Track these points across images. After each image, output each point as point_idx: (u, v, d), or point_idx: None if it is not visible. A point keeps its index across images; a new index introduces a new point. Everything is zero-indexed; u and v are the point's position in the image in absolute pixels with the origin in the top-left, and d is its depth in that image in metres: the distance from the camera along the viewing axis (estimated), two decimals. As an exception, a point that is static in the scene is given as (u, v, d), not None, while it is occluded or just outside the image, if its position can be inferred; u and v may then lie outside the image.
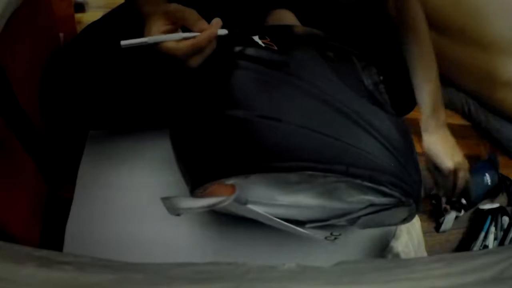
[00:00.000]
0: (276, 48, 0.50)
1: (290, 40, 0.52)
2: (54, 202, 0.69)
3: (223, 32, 0.48)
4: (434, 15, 0.70)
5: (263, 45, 0.50)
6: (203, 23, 0.47)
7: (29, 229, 0.61)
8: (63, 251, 0.58)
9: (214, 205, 0.45)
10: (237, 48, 0.50)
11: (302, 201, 0.50)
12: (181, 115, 0.52)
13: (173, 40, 0.46)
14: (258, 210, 0.49)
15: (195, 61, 0.48)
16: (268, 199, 0.49)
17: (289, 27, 0.58)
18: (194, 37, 0.46)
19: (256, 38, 0.50)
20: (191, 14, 0.47)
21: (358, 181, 0.44)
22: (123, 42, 0.46)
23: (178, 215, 0.46)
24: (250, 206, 0.49)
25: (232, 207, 0.49)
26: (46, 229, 0.65)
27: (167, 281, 0.27)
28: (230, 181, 0.45)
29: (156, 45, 0.46)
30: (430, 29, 0.62)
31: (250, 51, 0.49)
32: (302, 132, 0.44)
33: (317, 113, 0.46)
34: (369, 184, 0.44)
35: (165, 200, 0.44)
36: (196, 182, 0.47)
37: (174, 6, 0.48)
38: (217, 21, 0.47)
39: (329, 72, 0.49)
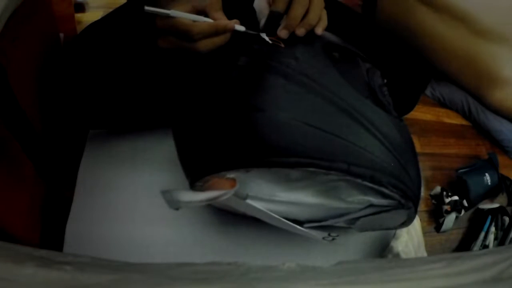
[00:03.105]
0: (283, 45, 0.50)
1: (296, 39, 0.52)
2: (54, 202, 0.69)
3: (241, 28, 0.49)
4: (442, 3, 0.70)
5: (270, 42, 0.50)
6: (222, 14, 0.48)
7: (29, 229, 0.61)
8: (63, 251, 0.58)
9: (214, 198, 0.44)
10: (244, 44, 0.50)
11: (302, 199, 0.50)
12: (183, 106, 0.53)
13: (191, 19, 0.47)
14: (257, 206, 0.49)
15: (205, 45, 0.48)
16: (268, 195, 0.49)
17: None
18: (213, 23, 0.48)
19: (263, 35, 0.51)
20: (215, 1, 0.48)
21: (359, 180, 0.44)
22: (147, 8, 0.46)
23: (177, 209, 0.46)
24: (249, 201, 0.49)
25: (232, 202, 0.48)
26: (46, 229, 0.65)
27: (167, 281, 0.27)
28: (231, 175, 0.45)
29: (171, 20, 0.47)
30: (435, 14, 0.62)
31: (257, 47, 0.50)
32: (305, 129, 0.44)
33: (321, 111, 0.46)
34: (370, 184, 0.44)
35: (165, 193, 0.44)
36: (196, 174, 0.46)
37: None
38: (236, 21, 0.49)
39: (334, 71, 0.50)
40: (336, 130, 0.44)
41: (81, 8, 1.11)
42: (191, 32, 0.47)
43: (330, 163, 0.43)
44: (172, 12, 0.46)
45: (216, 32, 0.48)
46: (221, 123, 0.46)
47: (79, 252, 0.34)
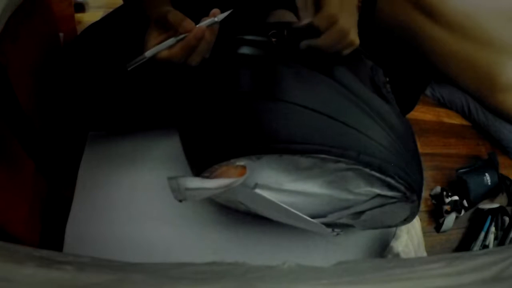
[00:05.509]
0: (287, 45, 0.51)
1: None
2: (54, 202, 0.69)
3: (211, 21, 0.47)
4: (438, 8, 0.70)
5: (274, 43, 0.51)
6: (188, 23, 0.46)
7: (29, 229, 0.61)
8: (63, 251, 0.58)
9: (223, 186, 0.44)
10: (252, 37, 0.51)
11: (310, 189, 0.50)
12: (190, 96, 0.53)
13: (167, 47, 0.47)
14: (266, 195, 0.49)
15: (193, 61, 0.48)
16: (277, 184, 0.49)
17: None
18: (184, 38, 0.47)
19: (272, 39, 0.52)
20: (175, 16, 0.46)
21: (367, 169, 0.44)
22: (128, 65, 0.48)
23: (181, 201, 0.45)
24: (258, 191, 0.49)
25: (240, 192, 0.48)
26: (46, 229, 0.65)
27: (167, 281, 0.27)
28: (241, 162, 0.45)
29: (155, 57, 0.47)
30: (432, 21, 0.62)
31: (267, 40, 0.51)
32: (316, 117, 0.44)
33: (332, 101, 0.46)
34: (377, 174, 0.45)
35: (171, 180, 0.43)
36: (203, 165, 0.46)
37: (159, 13, 0.47)
38: (214, 11, 0.47)
39: (342, 65, 0.50)
40: (346, 119, 0.45)
41: (81, 8, 1.11)
42: (173, 61, 0.47)
43: (341, 150, 0.43)
44: (147, 54, 0.47)
45: (193, 47, 0.47)
46: (232, 111, 0.46)
47: (79, 252, 0.34)
